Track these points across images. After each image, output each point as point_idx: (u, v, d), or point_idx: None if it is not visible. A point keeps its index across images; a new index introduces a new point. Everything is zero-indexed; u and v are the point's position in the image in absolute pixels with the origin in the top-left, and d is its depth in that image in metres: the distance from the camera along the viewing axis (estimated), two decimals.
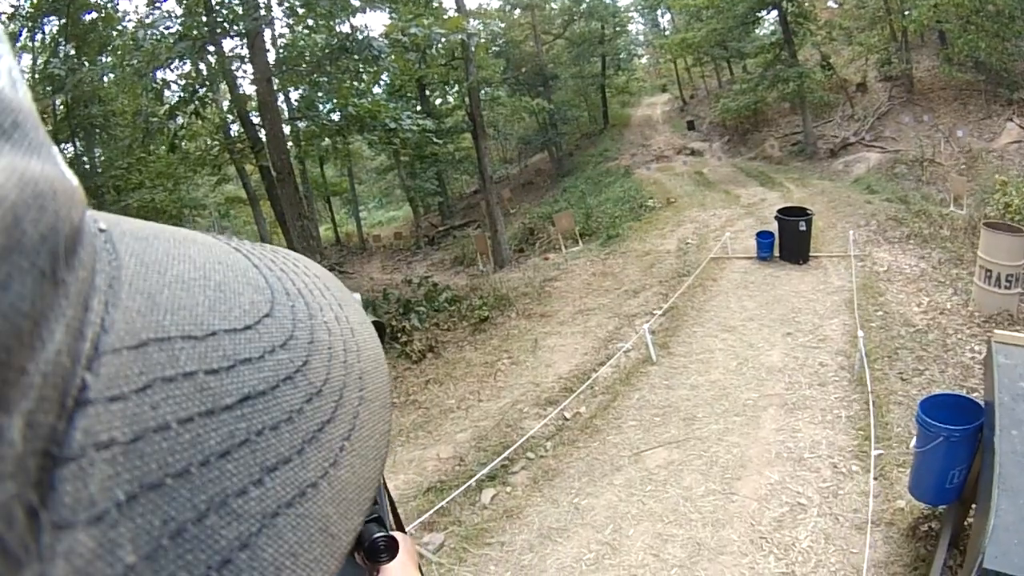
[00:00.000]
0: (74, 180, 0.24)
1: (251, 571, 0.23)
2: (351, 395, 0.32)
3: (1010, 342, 3.75)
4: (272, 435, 0.26)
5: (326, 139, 16.46)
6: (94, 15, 14.83)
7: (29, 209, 0.19)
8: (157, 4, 14.17)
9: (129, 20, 15.45)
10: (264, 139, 15.03)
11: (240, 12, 13.13)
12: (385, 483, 0.81)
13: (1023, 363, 3.46)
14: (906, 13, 23.04)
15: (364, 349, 0.36)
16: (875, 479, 4.98)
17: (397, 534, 0.66)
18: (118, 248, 0.26)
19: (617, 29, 38.08)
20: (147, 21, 13.92)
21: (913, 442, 4.04)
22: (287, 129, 15.62)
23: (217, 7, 13.38)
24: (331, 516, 0.27)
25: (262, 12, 13.33)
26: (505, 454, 6.20)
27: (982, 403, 3.72)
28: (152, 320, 0.24)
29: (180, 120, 15.79)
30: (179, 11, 13.72)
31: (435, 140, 16.44)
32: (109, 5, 15.02)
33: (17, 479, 0.18)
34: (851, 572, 4.09)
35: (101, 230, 0.26)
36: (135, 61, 13.62)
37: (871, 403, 5.94)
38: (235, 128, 18.33)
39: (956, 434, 3.67)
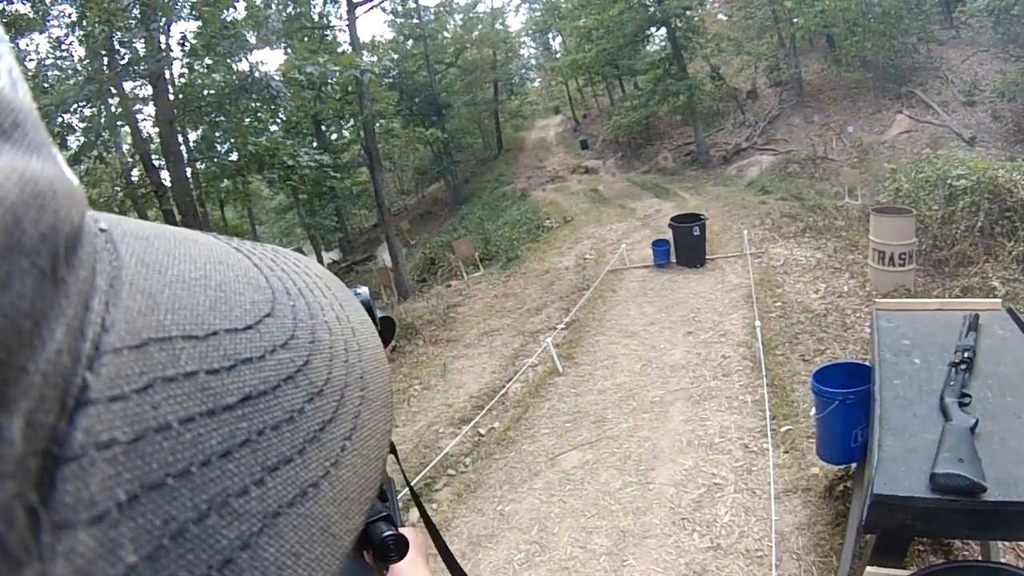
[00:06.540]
0: (74, 180, 0.24)
1: (252, 571, 0.23)
2: (352, 395, 0.32)
3: (890, 308, 4.14)
4: (273, 435, 0.26)
5: (226, 180, 16.14)
6: None
7: (29, 209, 0.19)
8: (60, 46, 13.71)
9: (30, 60, 14.90)
10: (168, 182, 14.66)
11: (142, 54, 12.82)
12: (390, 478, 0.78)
13: (903, 324, 3.75)
14: (794, 20, 24.19)
15: (365, 349, 0.36)
16: (786, 453, 5.20)
17: (407, 531, 0.64)
18: (119, 248, 0.26)
19: (509, 55, 38.72)
20: (48, 62, 13.46)
21: (813, 410, 4.26)
22: (188, 171, 15.29)
23: (119, 48, 13.04)
24: (332, 516, 0.27)
25: (163, 53, 13.06)
26: (424, 472, 6.16)
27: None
28: (153, 320, 0.24)
29: (83, 166, 15.23)
30: (82, 52, 13.31)
31: (333, 175, 16.32)
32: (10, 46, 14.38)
33: (18, 479, 0.18)
34: (774, 537, 4.26)
35: (102, 230, 0.26)
36: (38, 104, 13.11)
37: (765, 384, 6.23)
38: (135, 173, 17.78)
39: (851, 396, 3.88)
